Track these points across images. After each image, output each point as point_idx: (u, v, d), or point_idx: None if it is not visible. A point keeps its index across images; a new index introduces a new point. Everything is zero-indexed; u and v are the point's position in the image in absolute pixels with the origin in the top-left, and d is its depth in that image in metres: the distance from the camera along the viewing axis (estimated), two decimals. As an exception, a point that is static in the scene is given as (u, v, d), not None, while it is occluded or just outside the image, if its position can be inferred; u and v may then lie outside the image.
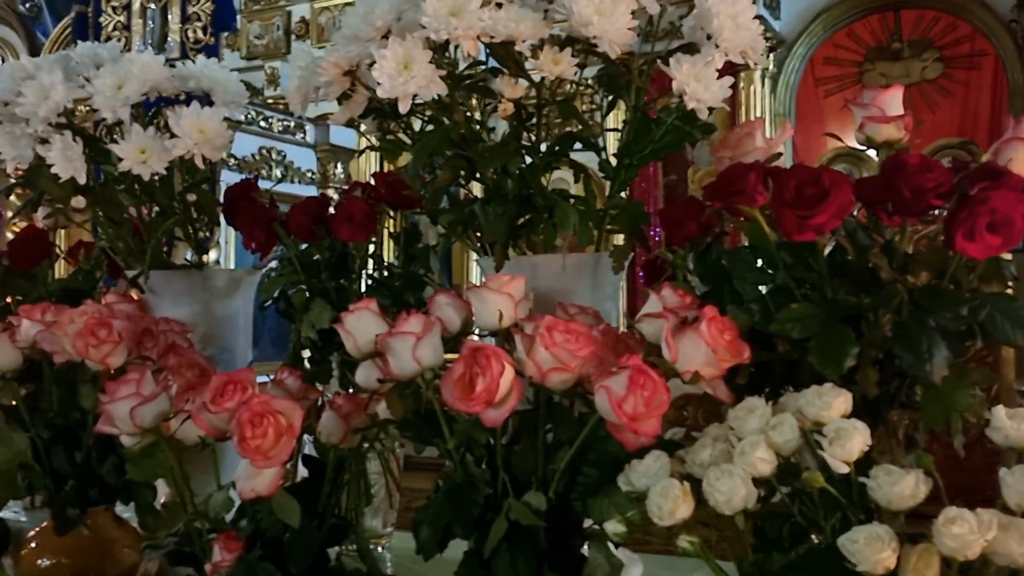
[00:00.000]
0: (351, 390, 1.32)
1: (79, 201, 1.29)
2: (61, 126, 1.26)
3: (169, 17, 4.92)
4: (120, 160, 1.24)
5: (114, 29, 4.98)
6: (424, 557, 1.10)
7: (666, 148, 1.09)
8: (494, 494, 1.05)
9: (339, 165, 6.40)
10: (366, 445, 1.25)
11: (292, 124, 6.07)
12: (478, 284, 1.10)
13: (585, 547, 1.05)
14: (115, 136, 1.35)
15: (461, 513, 1.03)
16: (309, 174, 6.07)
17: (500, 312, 1.06)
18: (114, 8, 4.95)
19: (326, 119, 6.25)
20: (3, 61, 6.01)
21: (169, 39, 4.86)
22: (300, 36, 7.84)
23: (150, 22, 4.94)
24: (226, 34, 5.11)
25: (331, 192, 5.91)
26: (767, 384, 1.06)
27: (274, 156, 5.86)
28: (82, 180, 1.24)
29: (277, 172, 5.62)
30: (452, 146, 1.11)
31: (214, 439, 1.23)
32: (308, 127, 6.19)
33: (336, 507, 1.26)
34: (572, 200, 1.14)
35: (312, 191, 5.97)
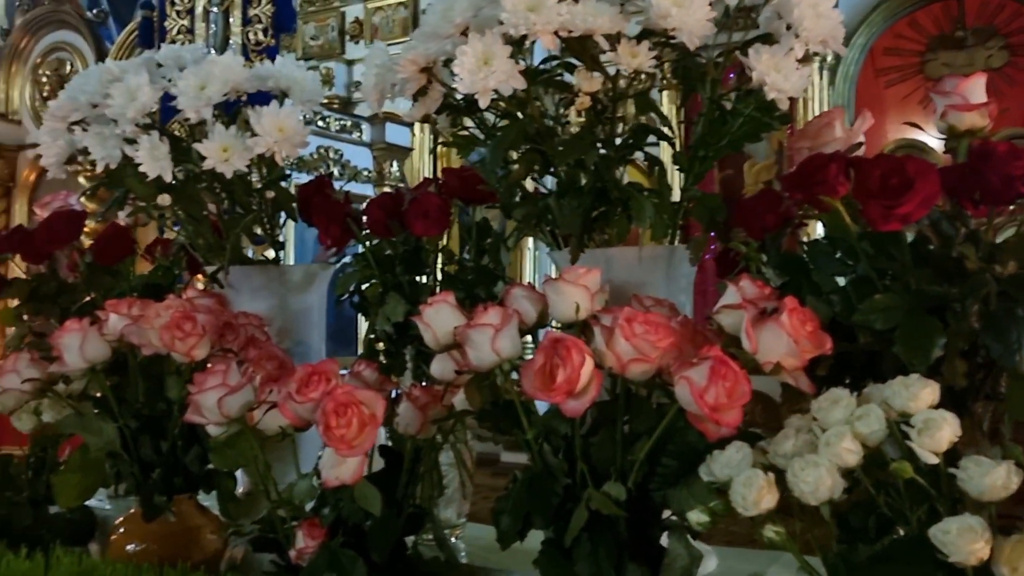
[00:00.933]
0: (424, 382, 1.35)
1: (164, 199, 1.33)
2: (147, 127, 1.30)
3: (231, 20, 5.02)
4: (203, 159, 1.27)
5: (178, 33, 5.11)
6: (502, 546, 1.12)
7: (743, 140, 1.09)
8: (572, 484, 1.06)
9: (395, 163, 6.47)
10: (440, 437, 1.27)
11: (348, 123, 6.15)
12: (553, 277, 1.11)
13: (664, 538, 1.05)
14: (194, 137, 1.40)
15: (541, 503, 1.04)
16: (365, 172, 6.15)
17: (577, 304, 1.07)
18: (178, 12, 5.07)
19: (382, 118, 6.33)
20: (71, 67, 6.20)
21: (231, 41, 4.96)
22: (354, 36, 7.95)
23: (213, 25, 5.06)
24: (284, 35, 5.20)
25: (386, 190, 5.97)
26: (847, 375, 1.05)
27: (331, 155, 5.94)
28: (168, 178, 1.28)
29: (335, 171, 5.70)
30: (528, 140, 1.12)
31: (294, 430, 1.27)
32: (364, 126, 6.26)
33: (412, 497, 1.28)
34: (647, 193, 1.14)
35: (368, 190, 6.04)
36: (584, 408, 0.98)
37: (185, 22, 5.05)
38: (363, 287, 1.45)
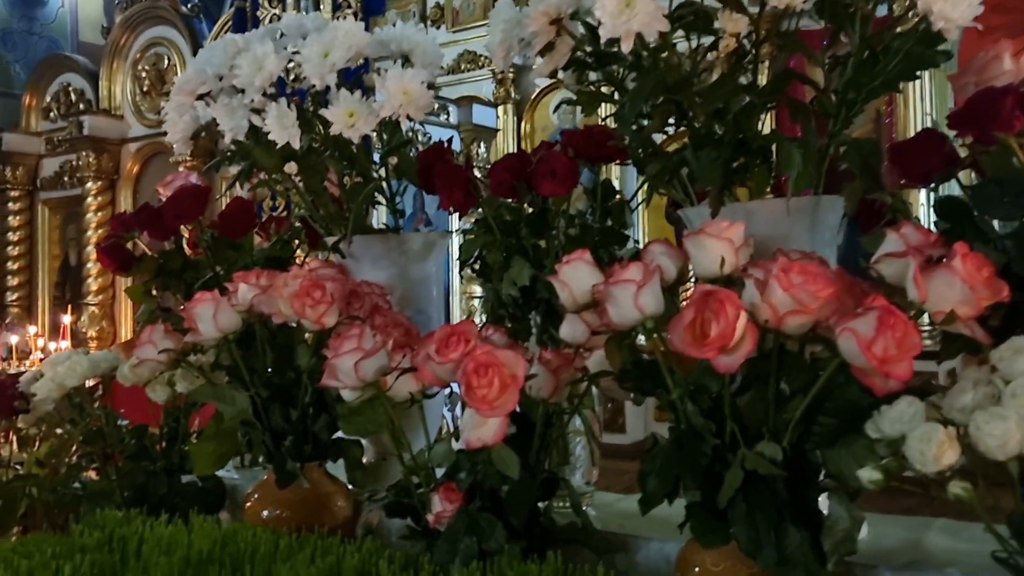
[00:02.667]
0: (549, 347, 1.32)
1: (292, 167, 1.33)
2: (274, 96, 1.31)
3: (321, 7, 5.09)
4: (329, 125, 1.27)
5: (270, 21, 5.20)
6: (645, 509, 1.08)
7: (898, 80, 1.02)
8: (721, 445, 1.02)
9: (481, 144, 6.46)
10: (571, 403, 1.25)
11: (436, 106, 6.17)
12: (694, 231, 1.06)
13: (821, 500, 1.01)
14: (315, 108, 1.40)
15: (690, 463, 1.00)
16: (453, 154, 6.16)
17: (722, 258, 1.03)
18: (270, 1, 5.17)
19: (468, 100, 6.34)
20: (169, 61, 6.40)
21: (322, 27, 5.03)
22: (435, 21, 7.96)
23: (303, 12, 5.14)
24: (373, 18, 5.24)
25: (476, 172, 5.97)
26: (1018, 326, 0.98)
27: (419, 137, 5.97)
28: (296, 145, 1.28)
29: (424, 153, 5.72)
30: (665, 90, 1.08)
31: (422, 396, 1.26)
32: (451, 108, 6.27)
33: (544, 463, 1.26)
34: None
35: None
36: (738, 364, 0.94)
37: (277, 10, 5.14)
38: (485, 253, 1.43)
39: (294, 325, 1.37)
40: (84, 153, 6.50)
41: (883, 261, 0.97)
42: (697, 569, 1.03)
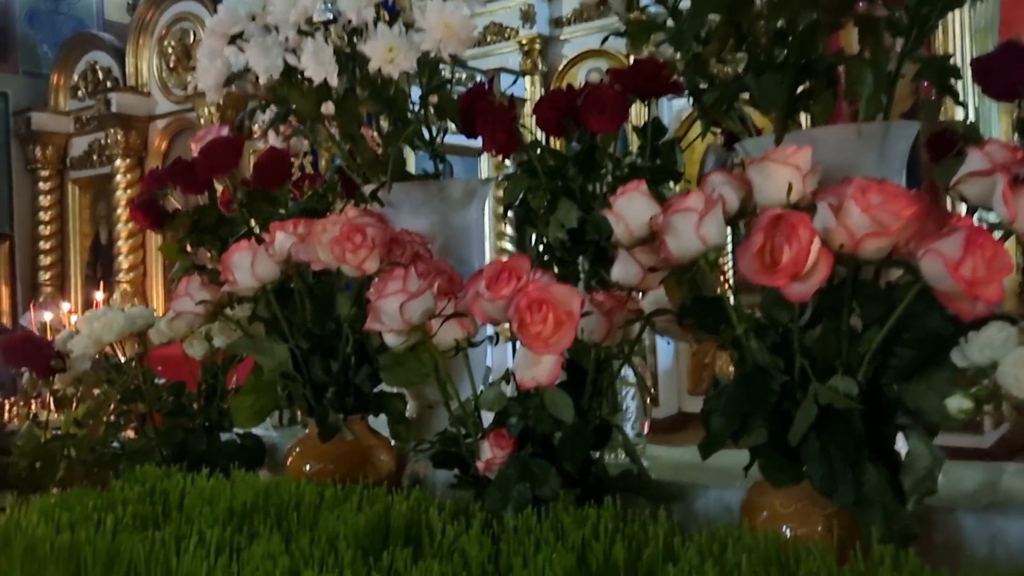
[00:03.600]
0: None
1: (328, 107, 1.29)
2: (310, 33, 1.26)
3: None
4: (368, 60, 1.22)
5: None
6: (707, 452, 1.03)
7: (978, -12, 0.95)
8: (790, 382, 0.97)
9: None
10: (620, 351, 1.20)
11: (463, 76, 6.10)
12: (757, 158, 1.00)
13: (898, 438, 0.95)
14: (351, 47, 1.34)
15: (758, 400, 0.95)
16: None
17: (789, 184, 0.97)
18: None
19: (495, 70, 6.26)
20: (195, 36, 6.37)
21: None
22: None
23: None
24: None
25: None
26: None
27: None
28: (334, 82, 1.23)
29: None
30: (726, 8, 1.02)
31: (467, 344, 1.22)
32: (479, 77, 6.20)
33: (597, 411, 1.21)
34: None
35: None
36: (811, 292, 0.88)
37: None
38: (529, 198, 1.38)
39: (334, 272, 1.33)
40: (112, 131, 6.50)
41: (966, 181, 0.90)
42: (765, 513, 0.98)
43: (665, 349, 5.74)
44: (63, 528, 1.13)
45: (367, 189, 1.49)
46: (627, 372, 1.37)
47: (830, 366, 0.95)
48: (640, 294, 1.20)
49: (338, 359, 1.39)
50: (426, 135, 1.43)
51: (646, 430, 1.41)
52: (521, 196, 1.36)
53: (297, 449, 1.42)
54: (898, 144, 1.09)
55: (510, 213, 1.42)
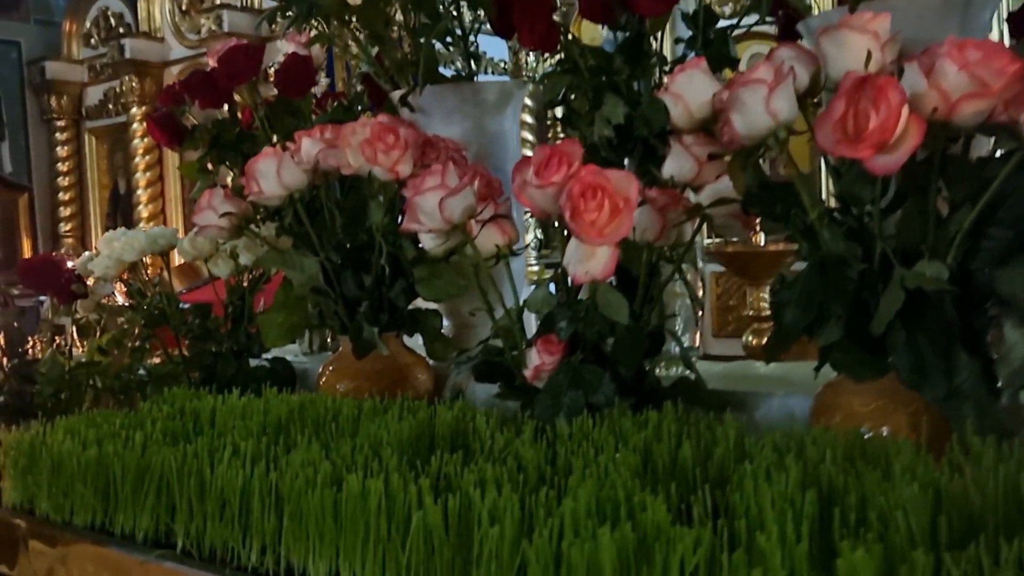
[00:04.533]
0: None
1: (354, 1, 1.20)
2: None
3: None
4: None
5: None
6: (774, 352, 0.96)
7: None
8: (869, 270, 0.88)
9: (531, 55, 6.23)
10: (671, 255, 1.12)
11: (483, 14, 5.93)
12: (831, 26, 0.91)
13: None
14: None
15: (836, 288, 0.87)
16: (502, 64, 5.95)
17: (867, 52, 0.87)
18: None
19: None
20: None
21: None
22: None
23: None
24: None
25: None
26: None
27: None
28: (361, -32, 1.14)
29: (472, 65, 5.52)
30: None
31: (509, 252, 1.14)
32: (496, 16, 6.05)
33: (649, 318, 1.14)
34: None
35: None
36: (900, 164, 0.79)
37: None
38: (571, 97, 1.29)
39: (365, 179, 1.25)
40: (127, 78, 6.41)
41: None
42: (841, 415, 0.90)
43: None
44: (90, 444, 1.08)
45: (396, 95, 1.41)
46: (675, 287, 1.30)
47: (914, 252, 0.87)
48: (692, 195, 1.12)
49: (371, 272, 1.32)
50: (458, 32, 1.33)
51: (697, 342, 1.33)
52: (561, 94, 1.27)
53: (330, 368, 1.36)
54: (981, 15, 0.99)
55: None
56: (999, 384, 0.83)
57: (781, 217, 0.93)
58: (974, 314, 0.86)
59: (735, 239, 1.75)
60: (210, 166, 1.60)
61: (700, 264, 1.30)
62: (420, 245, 1.19)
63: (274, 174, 1.25)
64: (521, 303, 1.13)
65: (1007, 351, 0.83)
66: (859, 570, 0.57)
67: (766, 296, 1.89)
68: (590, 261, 0.94)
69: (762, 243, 2.07)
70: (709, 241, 2.39)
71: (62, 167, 7.13)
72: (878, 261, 0.88)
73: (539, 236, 4.67)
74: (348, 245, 1.32)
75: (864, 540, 0.60)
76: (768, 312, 1.62)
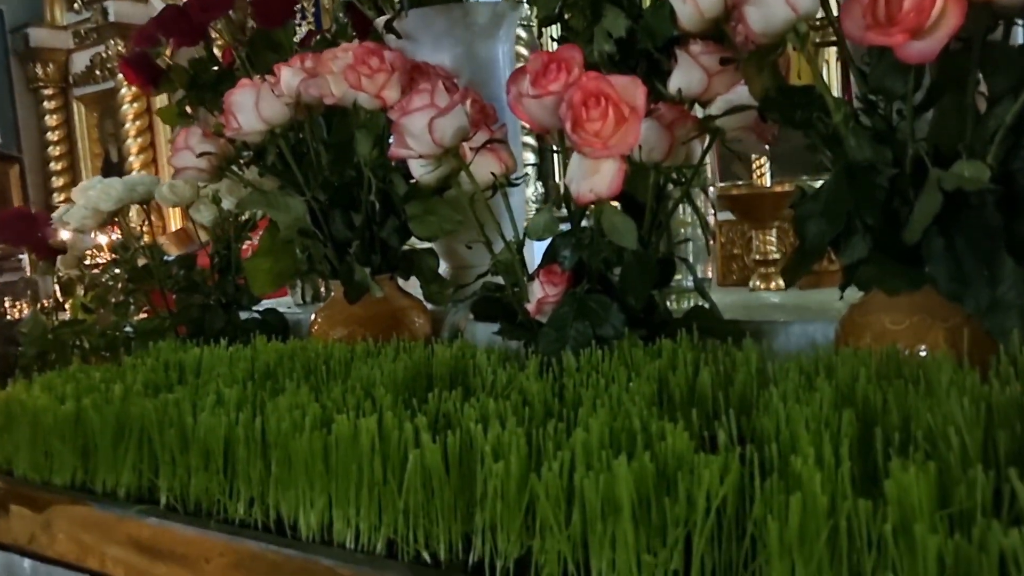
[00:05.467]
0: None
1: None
2: None
3: None
4: None
5: None
6: (798, 271, 0.89)
7: None
8: (900, 175, 0.80)
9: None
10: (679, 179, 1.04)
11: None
12: None
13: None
14: None
15: (866, 196, 0.79)
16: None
17: (896, -66, 0.78)
18: None
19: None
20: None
21: None
22: None
23: None
24: None
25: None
26: None
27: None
28: None
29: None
30: None
31: (506, 181, 1.06)
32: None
33: (657, 243, 1.06)
34: None
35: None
36: (936, 51, 0.71)
37: None
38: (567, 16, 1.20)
39: (349, 110, 1.17)
40: (112, 42, 6.27)
41: None
42: (872, 334, 0.83)
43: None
44: (68, 399, 1.01)
45: (380, 22, 1.32)
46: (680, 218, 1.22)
47: (950, 153, 0.79)
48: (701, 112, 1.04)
49: (360, 211, 1.24)
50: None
51: (710, 272, 1.26)
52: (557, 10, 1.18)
53: (322, 315, 1.29)
54: None
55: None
56: (1047, 293, 0.76)
57: (802, 123, 0.85)
58: (1018, 217, 0.78)
59: (740, 182, 1.66)
60: (189, 109, 1.51)
61: (712, 190, 1.22)
62: (412, 180, 1.12)
63: (252, 107, 1.17)
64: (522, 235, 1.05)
65: (1055, 257, 0.76)
66: (911, 492, 0.50)
67: (773, 238, 1.81)
68: (594, 177, 0.86)
69: (767, 184, 1.99)
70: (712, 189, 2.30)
71: (52, 136, 7.02)
72: (910, 165, 0.80)
73: (539, 188, 4.57)
74: (336, 183, 1.24)
75: (914, 460, 0.53)
76: (775, 255, 1.54)
